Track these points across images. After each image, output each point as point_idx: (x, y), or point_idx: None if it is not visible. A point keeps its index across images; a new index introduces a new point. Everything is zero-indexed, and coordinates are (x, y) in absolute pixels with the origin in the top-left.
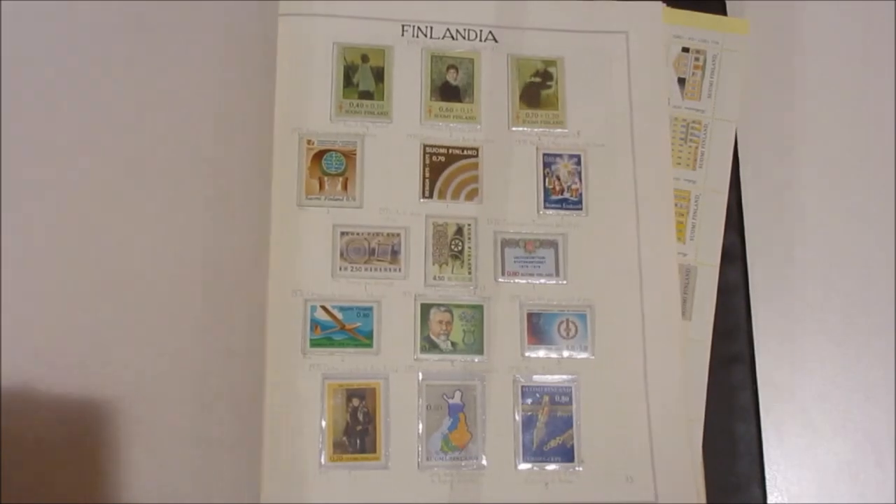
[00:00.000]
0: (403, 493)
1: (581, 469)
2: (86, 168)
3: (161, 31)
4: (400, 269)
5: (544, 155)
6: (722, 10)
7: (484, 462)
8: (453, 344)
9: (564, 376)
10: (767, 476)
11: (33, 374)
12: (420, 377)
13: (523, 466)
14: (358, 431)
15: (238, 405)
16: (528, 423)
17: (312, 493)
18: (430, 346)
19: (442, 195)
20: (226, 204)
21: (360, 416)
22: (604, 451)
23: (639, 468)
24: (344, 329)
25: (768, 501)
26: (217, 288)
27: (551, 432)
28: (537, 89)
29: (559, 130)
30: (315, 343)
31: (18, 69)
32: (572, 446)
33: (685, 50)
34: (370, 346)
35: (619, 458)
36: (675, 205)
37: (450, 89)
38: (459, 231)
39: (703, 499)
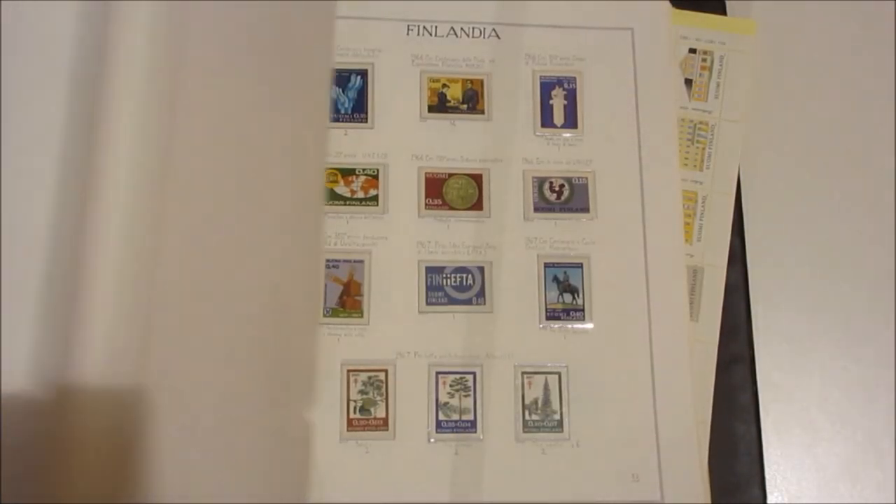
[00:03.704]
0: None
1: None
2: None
3: None
4: None
5: None
6: (722, 11)
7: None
8: None
9: None
10: (767, 476)
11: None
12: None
13: None
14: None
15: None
16: None
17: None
18: None
19: None
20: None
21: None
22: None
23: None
24: None
25: (768, 501)
26: None
27: None
28: None
29: None
30: None
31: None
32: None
33: (692, 51)
34: None
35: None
36: (682, 206)
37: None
38: None
39: (709, 499)
